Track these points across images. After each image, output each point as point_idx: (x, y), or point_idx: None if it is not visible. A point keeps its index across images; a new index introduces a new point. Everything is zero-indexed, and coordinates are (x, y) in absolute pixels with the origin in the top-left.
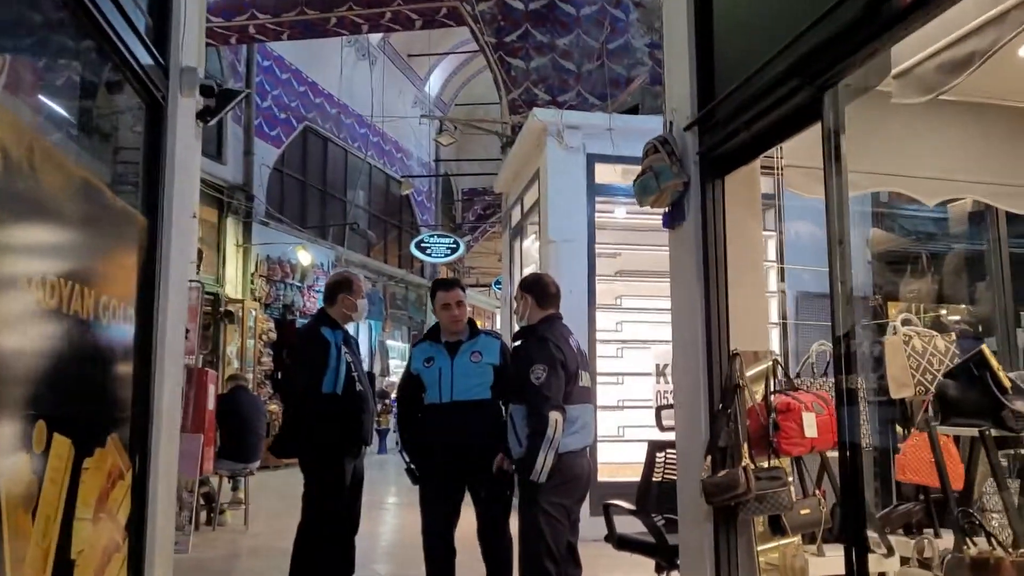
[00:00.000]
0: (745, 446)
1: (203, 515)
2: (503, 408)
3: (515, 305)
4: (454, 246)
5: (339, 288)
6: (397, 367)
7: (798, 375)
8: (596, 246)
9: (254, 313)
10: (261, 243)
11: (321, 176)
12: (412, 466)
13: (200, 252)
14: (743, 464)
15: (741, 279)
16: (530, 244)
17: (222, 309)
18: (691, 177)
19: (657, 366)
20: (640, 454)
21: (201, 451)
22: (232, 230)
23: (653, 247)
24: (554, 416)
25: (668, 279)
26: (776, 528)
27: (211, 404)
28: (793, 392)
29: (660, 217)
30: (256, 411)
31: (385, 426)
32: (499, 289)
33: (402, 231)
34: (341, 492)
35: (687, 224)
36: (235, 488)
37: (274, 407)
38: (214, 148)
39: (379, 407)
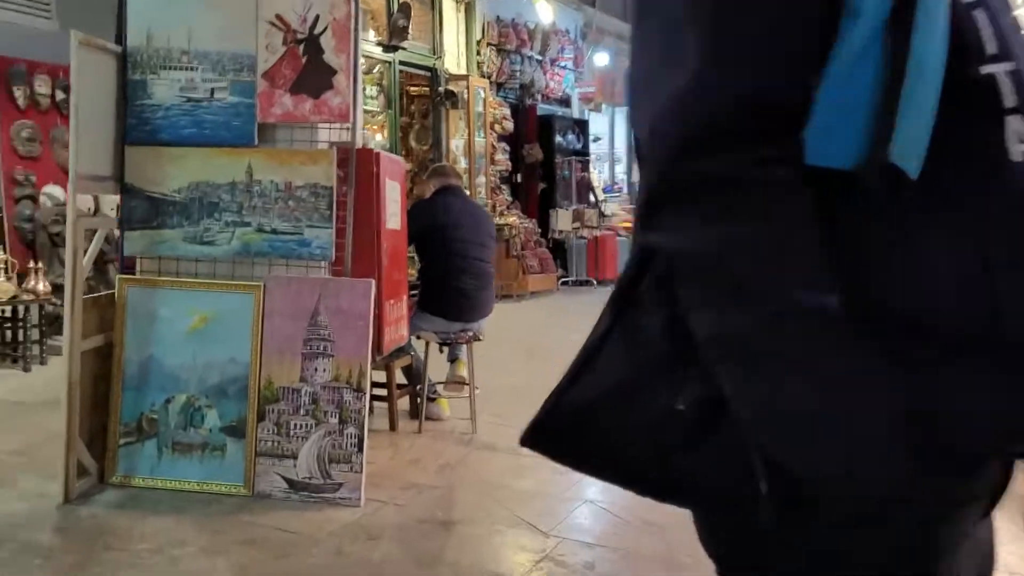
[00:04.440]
0: None
1: (406, 402)
2: None
3: None
4: None
5: None
6: None
7: None
8: None
9: (482, 94)
10: None
11: None
12: None
13: (406, 6)
14: None
15: None
16: None
17: (442, 89)
18: None
19: None
20: None
21: (376, 307)
22: None
23: None
24: None
25: None
26: None
27: (394, 221)
28: None
29: None
30: (481, 231)
31: None
32: None
33: None
34: None
35: None
36: (453, 359)
37: (513, 219)
38: None
39: None
